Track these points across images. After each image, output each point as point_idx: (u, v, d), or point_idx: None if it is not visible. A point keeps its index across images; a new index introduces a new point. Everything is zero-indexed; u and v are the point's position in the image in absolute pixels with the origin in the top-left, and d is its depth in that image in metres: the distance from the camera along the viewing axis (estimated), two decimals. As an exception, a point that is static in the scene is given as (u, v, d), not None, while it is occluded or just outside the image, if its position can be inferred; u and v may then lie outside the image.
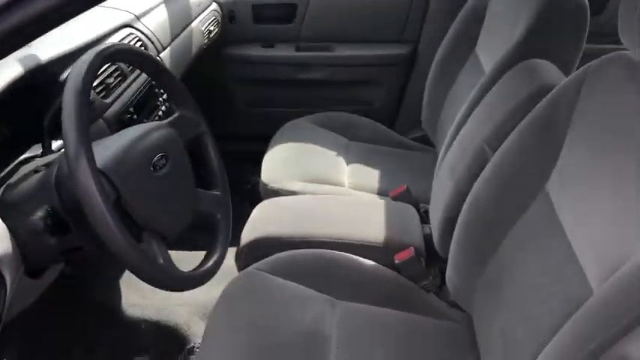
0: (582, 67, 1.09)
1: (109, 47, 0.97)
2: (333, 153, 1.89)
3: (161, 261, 0.94)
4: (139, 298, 1.65)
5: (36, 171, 1.01)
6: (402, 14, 2.22)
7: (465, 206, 1.27)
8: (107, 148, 0.96)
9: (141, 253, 0.88)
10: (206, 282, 1.08)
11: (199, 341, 1.46)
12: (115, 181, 0.91)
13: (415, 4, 2.20)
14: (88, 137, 0.86)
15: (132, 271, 0.90)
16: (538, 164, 1.12)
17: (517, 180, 1.16)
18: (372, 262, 1.39)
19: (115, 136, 1.03)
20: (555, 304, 0.94)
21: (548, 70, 1.27)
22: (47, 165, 1.02)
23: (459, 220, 1.28)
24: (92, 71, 0.91)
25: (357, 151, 1.95)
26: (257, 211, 1.59)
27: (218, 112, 2.30)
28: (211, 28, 2.01)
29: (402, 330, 1.27)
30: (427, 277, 1.43)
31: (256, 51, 2.27)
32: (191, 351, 1.52)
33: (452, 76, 1.86)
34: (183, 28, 1.80)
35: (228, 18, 2.21)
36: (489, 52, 1.64)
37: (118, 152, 0.95)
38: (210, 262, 1.10)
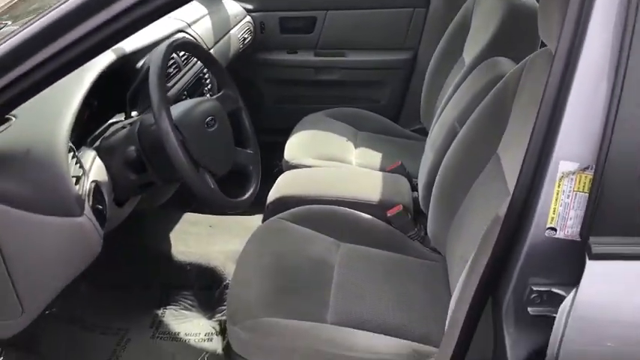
0: (524, 60, 1.46)
1: (178, 39, 1.37)
2: (343, 139, 2.27)
3: (212, 186, 1.34)
4: (184, 247, 2.04)
5: (123, 127, 1.42)
6: (404, 26, 2.56)
7: (439, 171, 1.63)
8: (175, 109, 1.36)
9: (201, 178, 1.28)
10: (243, 208, 1.46)
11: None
12: (181, 130, 1.31)
13: (415, 17, 2.54)
14: (166, 100, 1.26)
15: (194, 191, 1.29)
16: (491, 133, 1.48)
17: (476, 147, 1.52)
18: (368, 216, 1.76)
19: (180, 103, 1.43)
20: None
21: (505, 64, 1.64)
22: (131, 123, 1.42)
23: (436, 182, 1.64)
24: (167, 55, 1.32)
25: (364, 139, 2.32)
26: (280, 179, 1.98)
27: (250, 108, 2.68)
28: (245, 36, 2.41)
29: (390, 265, 1.62)
30: (413, 228, 1.79)
31: (282, 56, 2.62)
32: (226, 286, 1.89)
33: (444, 76, 2.22)
34: (224, 35, 2.20)
35: (259, 28, 2.58)
36: (470, 54, 2.01)
37: (183, 111, 1.35)
38: (247, 195, 1.49)
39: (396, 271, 1.59)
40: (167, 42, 1.34)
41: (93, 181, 1.25)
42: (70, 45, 0.97)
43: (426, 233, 1.75)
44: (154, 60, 1.29)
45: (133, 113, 1.53)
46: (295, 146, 2.21)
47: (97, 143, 1.39)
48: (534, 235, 0.85)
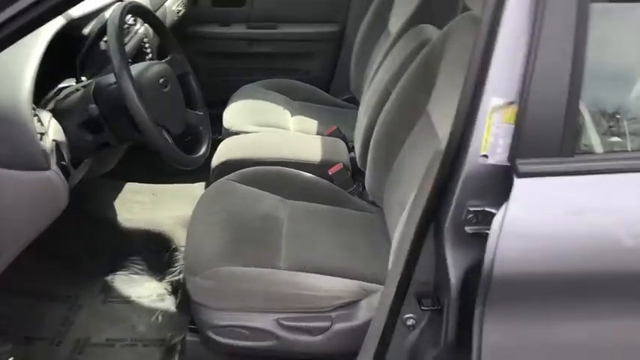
0: (449, 23, 1.62)
1: (131, 2, 1.42)
2: (280, 107, 2.37)
3: (170, 142, 1.40)
4: (129, 214, 2.08)
5: (76, 90, 1.45)
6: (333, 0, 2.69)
7: (375, 130, 1.78)
8: (132, 70, 1.41)
9: (161, 134, 1.35)
10: (198, 164, 1.53)
11: (183, 243, 1.89)
12: (140, 89, 1.36)
13: (342, -8, 2.67)
14: (126, 59, 1.32)
15: (155, 147, 1.35)
16: (421, 92, 1.63)
17: (408, 105, 1.67)
18: (311, 175, 1.88)
19: (133, 65, 1.47)
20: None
21: (430, 30, 1.80)
22: (85, 86, 1.46)
23: (372, 141, 1.78)
24: (123, 17, 1.37)
25: (300, 108, 2.43)
26: (222, 145, 2.06)
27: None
28: (180, 8, 2.44)
29: (334, 218, 1.74)
30: (352, 185, 1.94)
31: (215, 29, 2.67)
32: (176, 249, 1.96)
33: (371, 47, 2.36)
34: (160, 6, 2.22)
35: (192, 1, 2.59)
36: (395, 25, 2.16)
37: (138, 72, 1.40)
38: (201, 152, 1.56)
39: (340, 222, 1.72)
40: (120, 5, 1.39)
41: (53, 140, 1.29)
42: (26, 9, 1.01)
43: (364, 188, 1.90)
44: (110, 22, 1.33)
45: (83, 78, 1.55)
46: (233, 115, 2.29)
47: (51, 105, 1.42)
48: (470, 163, 1.01)
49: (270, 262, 1.49)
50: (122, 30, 1.35)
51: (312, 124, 2.30)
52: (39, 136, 1.20)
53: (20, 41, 1.25)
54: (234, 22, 2.70)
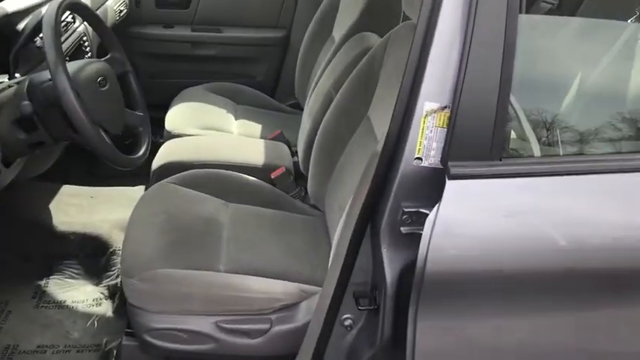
0: (390, 31, 1.66)
1: (68, 0, 1.38)
2: (223, 111, 2.37)
3: (108, 142, 1.38)
4: (66, 217, 2.01)
5: (9, 86, 1.41)
6: (278, 5, 2.71)
7: (318, 134, 1.80)
8: (68, 67, 1.37)
9: (98, 132, 1.32)
10: (136, 165, 1.51)
11: (119, 246, 1.85)
12: (75, 88, 1.33)
13: (288, -2, 2.70)
14: (63, 55, 1.28)
15: (91, 146, 1.32)
16: (362, 97, 1.67)
17: (350, 110, 1.71)
18: (253, 178, 1.88)
19: (71, 63, 1.44)
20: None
21: (371, 37, 1.85)
22: (18, 82, 1.41)
23: (315, 144, 1.80)
24: (60, 13, 1.33)
25: (244, 112, 2.43)
26: (163, 148, 2.04)
27: (124, 83, 2.66)
28: (122, 8, 2.39)
29: (276, 221, 1.75)
30: (294, 188, 1.95)
31: (158, 30, 2.65)
32: (113, 253, 1.91)
33: (316, 53, 2.39)
34: (100, 5, 2.18)
35: (134, 2, 2.57)
36: (339, 32, 2.20)
37: (75, 70, 1.37)
38: (140, 153, 1.54)
39: (281, 226, 1.73)
40: (57, 1, 1.35)
41: (-24, 140, 1.24)
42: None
43: (306, 192, 1.91)
44: (46, 18, 1.29)
45: (17, 74, 1.50)
46: (176, 118, 2.27)
47: None
48: (405, 165, 1.04)
49: (209, 264, 1.48)
50: (59, 26, 1.32)
51: (256, 128, 2.30)
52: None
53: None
54: (178, 24, 2.68)
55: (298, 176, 1.99)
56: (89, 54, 1.92)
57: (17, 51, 1.48)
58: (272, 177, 1.91)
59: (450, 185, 0.99)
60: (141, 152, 1.54)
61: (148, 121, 1.62)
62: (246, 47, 2.74)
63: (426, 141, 1.03)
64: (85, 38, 1.90)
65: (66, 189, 2.17)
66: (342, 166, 1.70)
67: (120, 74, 1.58)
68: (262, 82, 2.79)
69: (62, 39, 1.73)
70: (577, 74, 1.27)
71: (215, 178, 1.83)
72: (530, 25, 1.01)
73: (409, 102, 1.03)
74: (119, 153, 1.41)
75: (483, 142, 1.01)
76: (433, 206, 1.02)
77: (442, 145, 1.02)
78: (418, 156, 1.04)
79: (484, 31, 0.98)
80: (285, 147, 2.13)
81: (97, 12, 2.15)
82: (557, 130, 1.16)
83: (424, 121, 1.03)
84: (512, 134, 1.05)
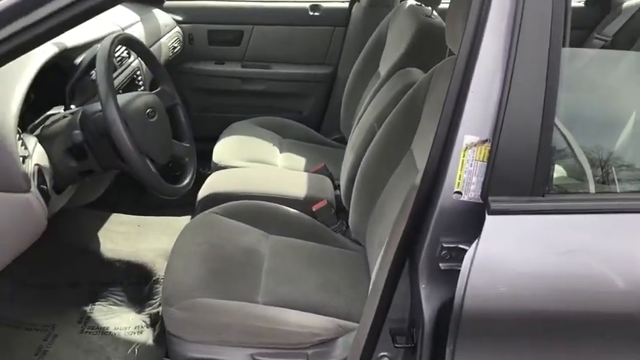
0: (433, 67, 1.66)
1: (122, 33, 1.46)
2: (269, 144, 2.40)
3: (154, 171, 1.42)
4: (112, 244, 2.06)
5: (64, 117, 1.47)
6: (326, 42, 2.76)
7: (359, 168, 1.80)
8: (119, 99, 1.43)
9: (143, 160, 1.36)
10: (180, 194, 1.54)
11: (163, 274, 1.88)
12: (124, 118, 1.38)
13: (335, 35, 2.74)
14: (113, 88, 1.34)
15: (137, 174, 1.36)
16: (405, 132, 1.67)
17: (392, 144, 1.70)
18: (295, 210, 1.89)
19: (122, 95, 1.50)
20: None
21: (416, 73, 1.85)
22: (72, 113, 1.48)
23: (357, 178, 1.80)
24: (113, 47, 1.40)
25: (289, 145, 2.46)
26: (209, 179, 2.07)
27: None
28: (175, 45, 2.50)
29: (316, 254, 1.74)
30: (336, 222, 1.94)
31: (210, 66, 2.73)
32: (156, 281, 1.94)
33: (361, 89, 2.41)
34: (155, 42, 2.28)
35: (188, 39, 2.68)
36: (385, 67, 2.21)
37: (126, 101, 1.43)
38: (184, 183, 1.57)
39: (321, 259, 1.72)
40: (111, 36, 1.42)
41: (36, 164, 1.30)
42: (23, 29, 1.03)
43: (347, 226, 1.90)
44: (100, 52, 1.36)
45: (72, 106, 1.58)
46: (223, 150, 2.31)
47: (38, 131, 1.43)
48: (444, 199, 1.02)
49: (248, 295, 1.48)
50: (111, 60, 1.38)
51: (300, 161, 2.32)
52: (21, 159, 1.21)
53: (10, 67, 1.28)
54: (229, 61, 2.75)
55: (340, 210, 1.99)
56: (142, 87, 1.99)
57: (73, 84, 1.56)
58: (313, 210, 1.92)
59: (490, 220, 0.97)
60: (185, 182, 1.58)
61: (194, 152, 1.66)
62: (294, 83, 2.79)
63: (465, 175, 1.01)
64: (138, 72, 1.98)
65: (114, 217, 2.24)
66: (383, 201, 1.68)
67: (169, 107, 1.63)
68: (308, 116, 2.82)
69: (117, 73, 1.82)
70: (630, 108, 1.23)
71: (257, 210, 1.85)
72: (574, 58, 0.98)
73: (449, 134, 1.01)
74: (164, 182, 1.45)
75: (525, 176, 0.98)
76: (473, 242, 1.00)
77: (482, 179, 1.00)
78: (457, 190, 1.02)
79: (526, 64, 0.96)
80: (328, 180, 2.13)
81: (152, 48, 2.26)
82: (609, 167, 1.12)
83: (464, 155, 1.01)
84: (557, 169, 1.02)
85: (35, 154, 1.34)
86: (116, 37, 1.42)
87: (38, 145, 1.38)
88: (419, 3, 2.19)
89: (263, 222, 1.80)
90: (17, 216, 1.18)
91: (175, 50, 2.51)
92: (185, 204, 2.06)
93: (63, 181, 1.46)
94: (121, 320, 1.86)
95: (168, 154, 1.54)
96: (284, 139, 2.50)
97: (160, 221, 2.26)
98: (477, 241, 0.98)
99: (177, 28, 2.60)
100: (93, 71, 1.63)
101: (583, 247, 1.01)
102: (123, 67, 1.88)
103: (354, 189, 1.81)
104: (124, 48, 1.94)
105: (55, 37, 1.06)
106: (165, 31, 2.43)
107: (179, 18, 2.64)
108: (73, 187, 1.57)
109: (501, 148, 0.98)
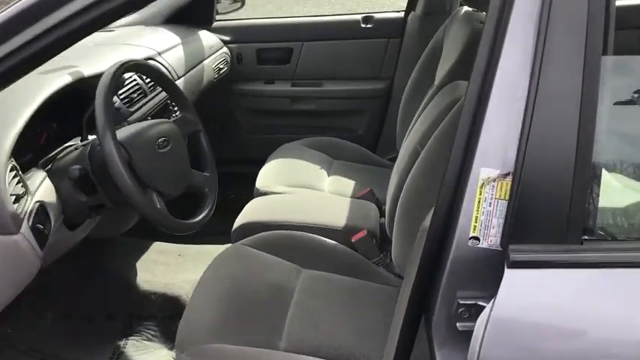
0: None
1: (128, 61, 1.38)
2: (317, 167, 2.26)
3: (159, 207, 1.32)
4: (150, 276, 2.00)
5: (76, 149, 1.42)
6: (380, 56, 2.58)
7: (401, 194, 1.61)
8: (127, 130, 1.35)
9: (144, 196, 1.26)
10: (192, 231, 1.43)
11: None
12: (128, 150, 1.30)
13: (390, 47, 2.56)
14: (111, 119, 1.26)
15: (137, 211, 1.27)
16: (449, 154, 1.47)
17: (435, 168, 1.50)
18: (333, 242, 1.72)
19: (133, 125, 1.42)
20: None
21: (464, 86, 1.64)
22: (85, 145, 1.42)
23: (398, 205, 1.61)
24: (116, 75, 1.32)
25: (339, 167, 2.30)
26: (248, 206, 1.96)
27: (226, 138, 2.68)
28: (221, 66, 2.43)
29: (351, 291, 1.56)
30: (378, 254, 1.76)
31: (259, 86, 2.64)
32: (189, 316, 1.85)
33: (417, 103, 2.21)
34: (197, 64, 2.22)
35: (236, 59, 2.60)
36: (439, 80, 2.01)
37: (134, 132, 1.34)
38: (199, 217, 1.46)
39: (356, 297, 1.55)
40: (118, 62, 1.35)
41: (38, 202, 1.23)
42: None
43: (391, 259, 1.72)
44: (102, 80, 1.29)
45: (90, 137, 1.52)
46: (268, 174, 2.20)
47: (50, 165, 1.38)
48: (458, 246, 0.83)
49: (268, 340, 1.34)
50: (112, 89, 1.30)
51: (348, 185, 2.15)
52: (13, 198, 1.14)
53: (16, 96, 1.23)
54: (279, 80, 2.65)
55: (385, 240, 1.80)
56: (177, 112, 1.92)
57: (90, 114, 1.50)
58: (353, 240, 1.75)
59: (510, 275, 0.77)
60: (201, 216, 1.47)
61: (214, 182, 1.55)
62: (347, 100, 2.64)
63: (483, 216, 0.82)
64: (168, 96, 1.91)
65: (155, 246, 2.18)
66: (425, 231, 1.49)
67: (190, 134, 1.54)
68: (363, 135, 2.66)
69: (148, 98, 1.76)
70: None
71: (291, 241, 1.70)
72: (622, 67, 0.77)
73: (462, 167, 0.83)
74: (171, 218, 1.34)
75: (557, 218, 0.77)
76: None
77: (503, 221, 0.80)
78: (474, 235, 0.83)
79: (554, 77, 0.76)
80: (373, 207, 1.95)
81: (195, 69, 2.20)
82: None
83: (481, 192, 0.82)
84: (600, 209, 0.80)
85: (41, 190, 1.28)
86: (123, 64, 1.34)
87: (47, 180, 1.32)
88: (475, 9, 1.98)
89: (297, 254, 1.66)
90: (3, 259, 1.12)
91: (222, 71, 2.44)
92: (228, 231, 1.97)
93: (74, 217, 1.40)
94: (152, 357, 1.79)
95: (183, 185, 1.44)
96: (334, 160, 2.35)
97: (201, 250, 2.17)
98: (492, 300, 0.78)
99: (225, 49, 2.54)
100: (114, 98, 1.57)
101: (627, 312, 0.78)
102: (155, 93, 1.82)
103: (395, 217, 1.62)
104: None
105: (67, 47, 0.98)
106: (210, 53, 2.37)
107: (227, 38, 2.57)
108: (92, 220, 1.51)
109: (525, 182, 0.77)
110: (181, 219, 1.45)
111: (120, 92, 1.65)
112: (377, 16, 2.56)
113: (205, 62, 2.29)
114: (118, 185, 1.23)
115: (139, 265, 2.05)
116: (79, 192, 1.35)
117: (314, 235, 1.73)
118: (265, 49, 2.62)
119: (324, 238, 1.73)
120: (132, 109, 1.67)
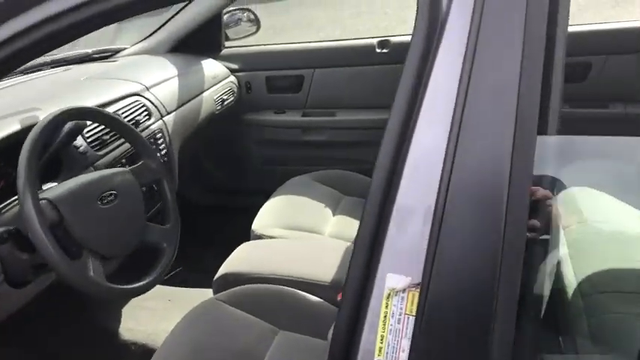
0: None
1: (70, 109, 1.26)
2: (322, 205, 2.08)
3: (91, 274, 1.18)
4: (134, 323, 1.88)
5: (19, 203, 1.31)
6: (397, 82, 2.37)
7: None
8: (64, 185, 1.23)
9: (68, 264, 1.12)
10: (132, 297, 1.29)
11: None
12: (60, 208, 1.17)
13: (404, 74, 2.36)
14: (33, 178, 1.13)
15: (61, 278, 1.15)
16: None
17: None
18: (317, 299, 1.54)
19: (73, 179, 1.29)
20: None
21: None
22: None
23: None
24: (49, 126, 1.20)
25: (347, 205, 2.12)
26: (235, 253, 1.81)
27: (237, 170, 2.55)
28: (225, 97, 2.30)
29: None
30: (368, 314, 1.56)
31: (269, 116, 2.51)
32: (168, 371, 1.71)
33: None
34: (194, 97, 2.10)
35: (245, 88, 2.48)
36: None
37: (68, 187, 1.22)
38: (145, 281, 1.31)
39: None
40: (55, 111, 1.23)
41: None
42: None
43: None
44: (31, 133, 1.17)
45: (44, 187, 1.42)
46: (267, 214, 2.04)
47: None
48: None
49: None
50: (40, 142, 1.18)
51: (352, 226, 1.96)
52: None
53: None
54: (290, 109, 2.50)
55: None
56: (164, 150, 1.81)
57: (44, 161, 1.39)
58: (338, 298, 1.55)
59: None
60: (148, 280, 1.31)
61: (175, 236, 1.41)
62: (362, 130, 2.45)
63: (390, 336, 0.63)
64: (159, 135, 1.79)
65: (145, 289, 2.06)
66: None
67: (149, 183, 1.40)
68: (379, 167, 2.44)
69: (121, 141, 1.64)
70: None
71: (271, 298, 1.54)
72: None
73: (365, 274, 0.64)
74: (103, 286, 1.19)
75: (477, 341, 0.57)
76: None
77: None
78: (379, 359, 0.64)
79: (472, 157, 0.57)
80: (370, 257, 1.75)
81: (190, 102, 2.08)
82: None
83: (387, 305, 0.63)
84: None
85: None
86: (59, 114, 1.22)
87: (-12, 236, 1.22)
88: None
89: (275, 313, 1.49)
90: None
91: (226, 102, 2.31)
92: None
93: (18, 275, 1.29)
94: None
95: (133, 242, 1.31)
96: (344, 196, 2.17)
97: (193, 294, 2.04)
98: None
99: (232, 78, 2.41)
100: (78, 140, 1.46)
101: None
102: (139, 130, 1.71)
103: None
104: (141, 110, 1.78)
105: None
106: (213, 83, 2.25)
107: (234, 66, 2.46)
108: (46, 277, 1.40)
109: (434, 292, 0.58)
110: (136, 278, 1.32)
111: (88, 134, 1.54)
112: (393, 40, 2.35)
113: (205, 94, 2.17)
114: (38, 250, 1.11)
115: (125, 311, 1.94)
116: (17, 250, 1.24)
117: (296, 291, 1.56)
118: (275, 76, 2.48)
119: (308, 295, 1.55)
120: (100, 153, 1.56)
